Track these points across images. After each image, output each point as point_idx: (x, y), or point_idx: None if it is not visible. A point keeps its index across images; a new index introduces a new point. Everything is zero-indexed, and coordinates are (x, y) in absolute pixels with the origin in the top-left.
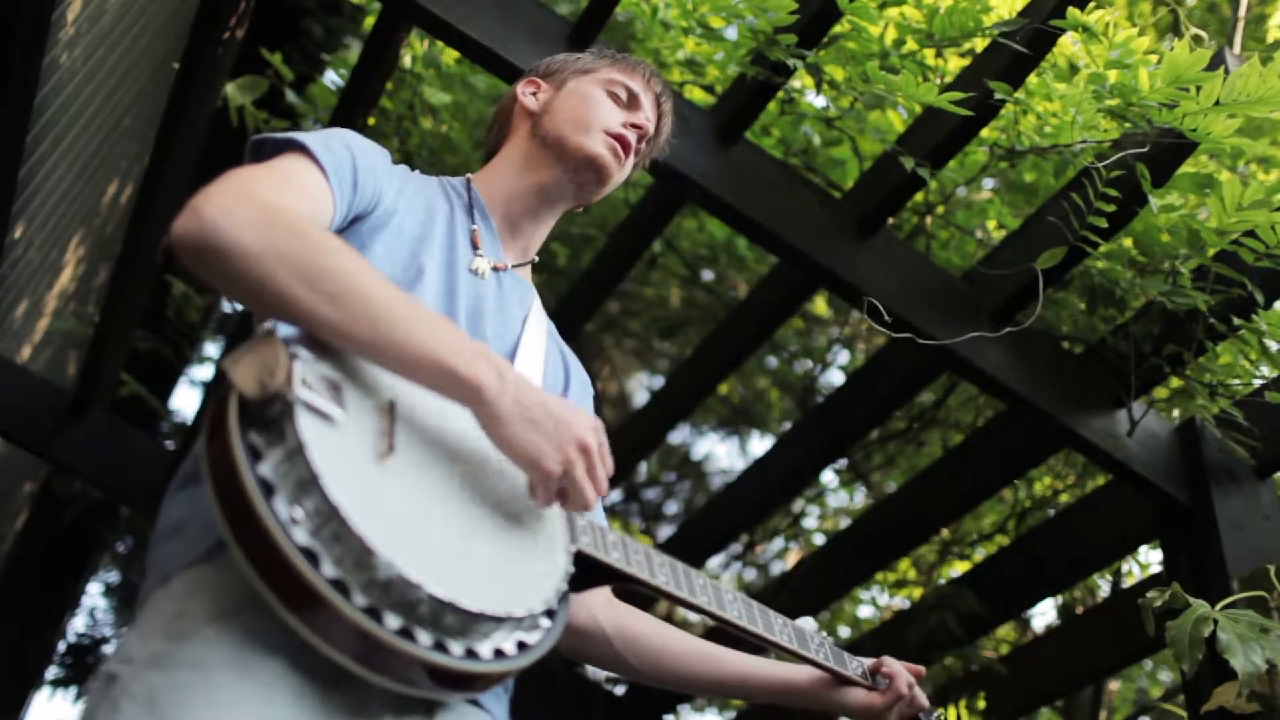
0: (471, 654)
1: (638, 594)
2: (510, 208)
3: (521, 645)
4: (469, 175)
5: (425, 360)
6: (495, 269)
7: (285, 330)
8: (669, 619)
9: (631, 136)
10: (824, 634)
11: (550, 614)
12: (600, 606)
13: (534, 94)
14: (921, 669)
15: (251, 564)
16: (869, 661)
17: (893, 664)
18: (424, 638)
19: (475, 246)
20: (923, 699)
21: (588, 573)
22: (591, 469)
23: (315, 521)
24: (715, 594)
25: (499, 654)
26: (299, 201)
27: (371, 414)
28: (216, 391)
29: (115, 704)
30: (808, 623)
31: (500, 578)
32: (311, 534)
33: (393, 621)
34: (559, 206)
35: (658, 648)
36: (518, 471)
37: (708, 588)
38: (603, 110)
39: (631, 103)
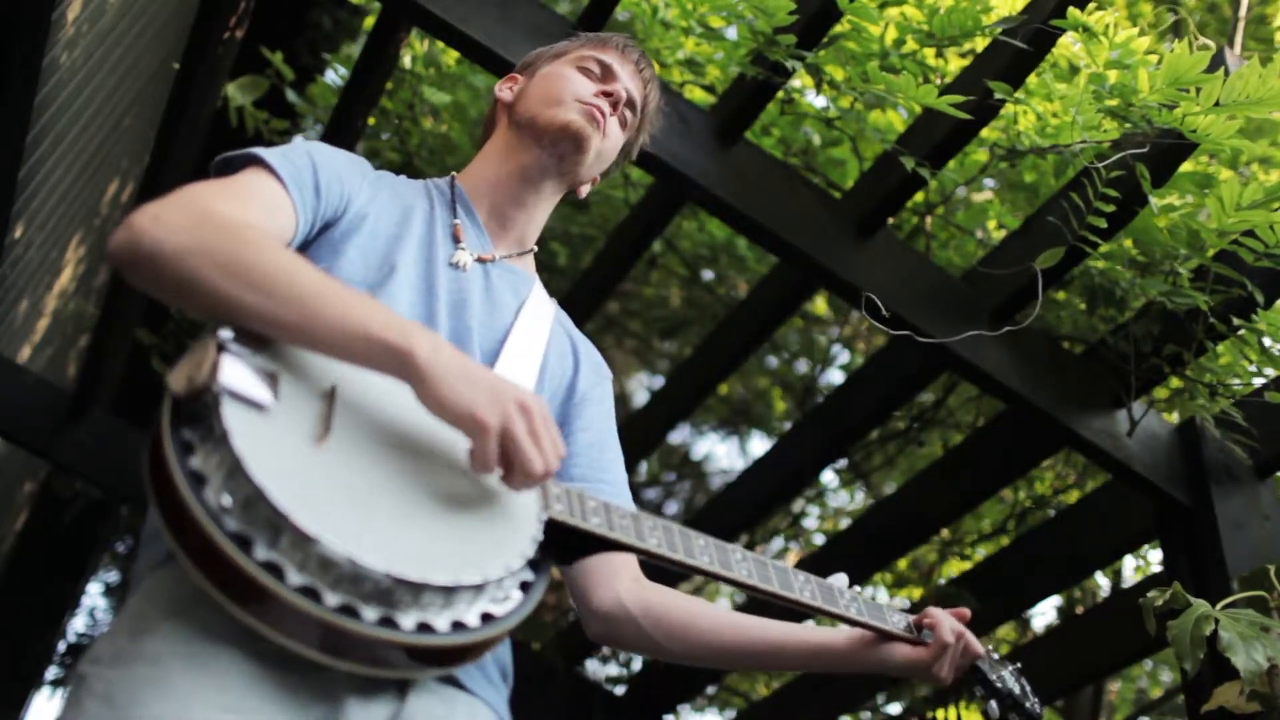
0: (425, 628)
1: (666, 572)
2: (495, 197)
3: (487, 617)
4: (453, 174)
5: (356, 336)
6: (481, 260)
7: (226, 333)
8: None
9: (605, 104)
10: (857, 589)
11: (525, 587)
12: (626, 588)
13: (510, 88)
14: (966, 611)
15: (192, 562)
16: (912, 617)
17: (936, 613)
18: (369, 613)
19: (457, 240)
20: (976, 645)
21: (571, 542)
22: (534, 431)
23: (244, 507)
24: (719, 554)
25: (458, 626)
26: (251, 212)
27: (310, 400)
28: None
29: (80, 703)
30: (840, 579)
31: (450, 548)
32: (242, 520)
33: (332, 599)
34: (545, 188)
35: (685, 623)
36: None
37: (709, 548)
38: (573, 84)
39: (606, 75)
